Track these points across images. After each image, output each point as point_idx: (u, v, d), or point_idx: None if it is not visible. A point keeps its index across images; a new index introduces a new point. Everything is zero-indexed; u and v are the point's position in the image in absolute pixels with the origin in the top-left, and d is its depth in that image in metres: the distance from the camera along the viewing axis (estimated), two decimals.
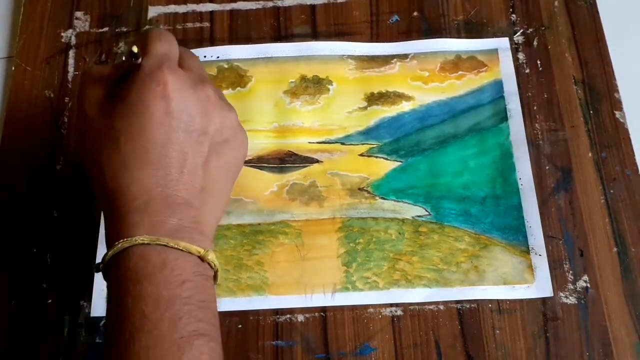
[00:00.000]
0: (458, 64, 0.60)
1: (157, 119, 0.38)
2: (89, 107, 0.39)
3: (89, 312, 0.51)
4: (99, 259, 0.52)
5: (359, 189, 0.55)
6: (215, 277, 0.39)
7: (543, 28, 0.61)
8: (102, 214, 0.53)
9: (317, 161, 0.56)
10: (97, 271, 0.38)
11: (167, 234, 0.36)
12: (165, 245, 0.36)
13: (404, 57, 0.60)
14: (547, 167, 0.55)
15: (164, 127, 0.38)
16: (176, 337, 0.34)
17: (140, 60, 0.40)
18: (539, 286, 0.51)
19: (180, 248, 0.36)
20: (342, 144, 0.57)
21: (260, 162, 0.56)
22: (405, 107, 0.58)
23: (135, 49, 0.40)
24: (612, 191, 0.54)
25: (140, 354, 0.33)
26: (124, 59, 0.40)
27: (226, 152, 0.41)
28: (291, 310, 0.51)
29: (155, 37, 0.40)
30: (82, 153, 0.41)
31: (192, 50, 0.59)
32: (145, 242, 0.36)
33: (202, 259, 0.37)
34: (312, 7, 0.62)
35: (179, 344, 0.34)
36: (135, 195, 0.37)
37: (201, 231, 0.38)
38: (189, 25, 0.62)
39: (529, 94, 0.58)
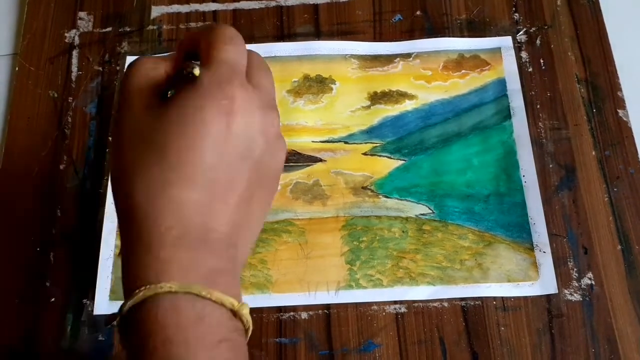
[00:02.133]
0: (461, 62, 0.60)
1: (214, 135, 0.31)
2: (135, 103, 0.33)
3: (92, 311, 0.51)
4: (100, 259, 0.52)
5: (363, 187, 0.55)
6: (246, 334, 0.32)
7: (546, 27, 0.61)
8: (103, 221, 0.54)
9: (321, 160, 0.56)
10: (107, 325, 0.32)
11: (201, 278, 0.30)
12: (197, 295, 0.29)
13: (407, 56, 0.60)
14: (550, 166, 0.55)
15: (219, 146, 0.31)
16: None
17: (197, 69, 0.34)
18: (544, 283, 0.51)
19: (213, 299, 0.29)
20: (346, 142, 0.57)
21: None
22: (408, 106, 0.58)
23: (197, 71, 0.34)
24: (615, 189, 0.54)
25: None
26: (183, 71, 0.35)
27: (271, 186, 0.36)
28: (294, 308, 0.51)
29: (227, 39, 0.33)
30: (112, 157, 0.35)
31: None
32: (173, 290, 0.29)
33: (234, 313, 0.30)
34: (315, 7, 0.62)
35: None
36: (170, 224, 0.30)
37: (235, 274, 0.32)
38: (192, 25, 0.62)
39: (532, 92, 0.58)
